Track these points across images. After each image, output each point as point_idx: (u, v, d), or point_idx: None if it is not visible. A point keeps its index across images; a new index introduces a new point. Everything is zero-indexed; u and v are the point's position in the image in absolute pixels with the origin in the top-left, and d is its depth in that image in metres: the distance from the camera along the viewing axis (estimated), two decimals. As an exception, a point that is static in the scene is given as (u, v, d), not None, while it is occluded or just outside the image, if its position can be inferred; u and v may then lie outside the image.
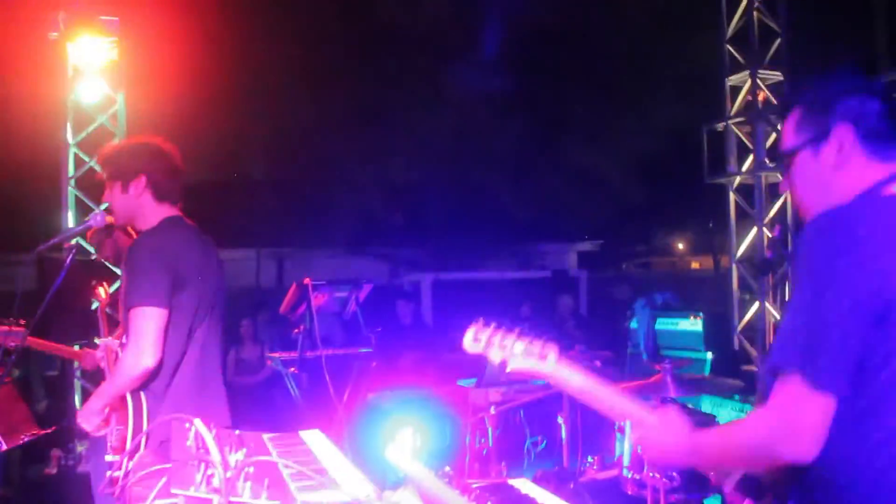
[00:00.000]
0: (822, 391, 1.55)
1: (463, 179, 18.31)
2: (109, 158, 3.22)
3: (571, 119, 19.07)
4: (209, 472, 1.68)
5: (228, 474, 1.60)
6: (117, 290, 3.76)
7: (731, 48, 9.56)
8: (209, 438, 1.71)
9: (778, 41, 9.36)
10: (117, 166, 3.16)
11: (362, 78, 17.89)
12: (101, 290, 3.38)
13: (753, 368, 8.84)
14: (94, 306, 3.42)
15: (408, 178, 18.39)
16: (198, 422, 1.77)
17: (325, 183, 17.84)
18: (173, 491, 1.62)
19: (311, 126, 17.30)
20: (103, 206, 7.51)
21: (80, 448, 7.08)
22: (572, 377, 1.95)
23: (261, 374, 8.38)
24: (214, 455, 1.64)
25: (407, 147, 17.85)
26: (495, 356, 1.92)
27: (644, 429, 1.94)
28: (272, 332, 9.22)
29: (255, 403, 7.96)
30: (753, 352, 9.16)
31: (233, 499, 1.57)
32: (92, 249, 7.00)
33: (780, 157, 1.92)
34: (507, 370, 1.91)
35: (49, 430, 4.62)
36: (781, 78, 9.38)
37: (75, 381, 7.55)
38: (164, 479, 1.64)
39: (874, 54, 13.12)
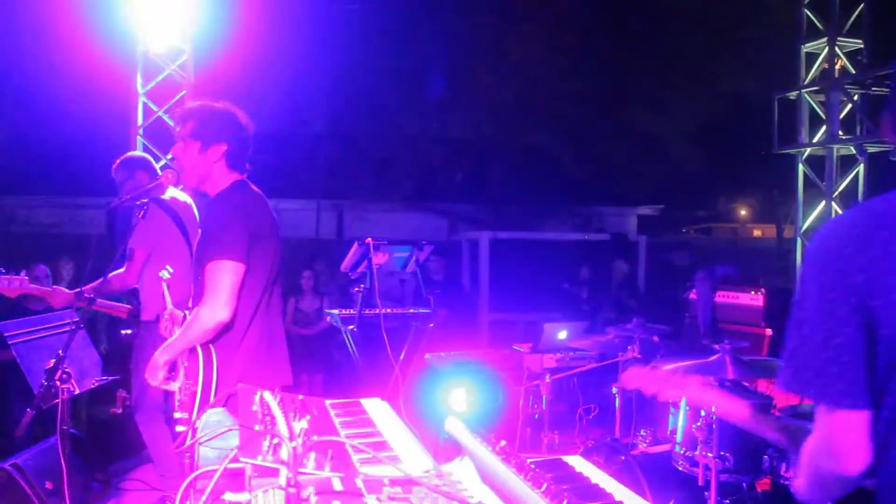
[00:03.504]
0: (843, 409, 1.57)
1: (525, 138, 18.13)
2: (194, 117, 3.20)
3: (637, 81, 18.68)
4: (275, 441, 1.73)
5: (294, 444, 1.64)
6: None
7: (809, 13, 9.22)
8: (276, 409, 1.76)
9: (860, 7, 8.99)
10: (202, 128, 3.16)
11: (426, 33, 17.73)
12: (165, 272, 3.46)
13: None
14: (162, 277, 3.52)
15: (469, 134, 18.29)
16: (266, 393, 1.82)
17: (387, 137, 17.85)
18: (241, 459, 1.67)
19: (374, 79, 17.28)
20: (169, 156, 7.70)
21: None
22: (710, 400, 2.35)
23: (318, 326, 8.51)
24: (282, 427, 1.68)
25: (470, 103, 17.73)
26: (648, 390, 2.37)
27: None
28: (331, 286, 9.35)
29: (311, 355, 8.12)
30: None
31: (300, 470, 1.61)
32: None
33: None
34: (660, 399, 2.39)
35: (116, 378, 4.80)
36: (862, 46, 9.03)
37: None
38: (234, 449, 1.70)
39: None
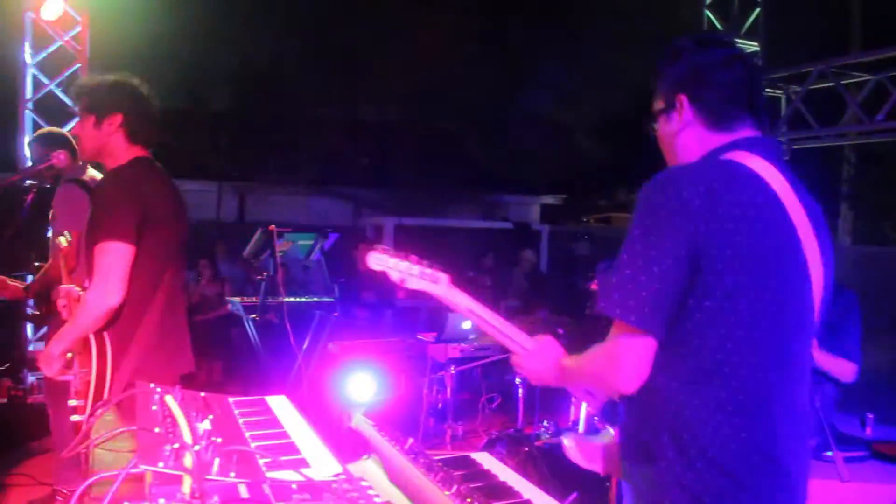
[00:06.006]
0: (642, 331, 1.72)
1: (431, 125, 18.13)
2: (86, 91, 3.11)
3: (544, 71, 18.92)
4: (176, 445, 1.65)
5: (198, 448, 1.57)
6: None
7: (710, 14, 9.50)
8: (179, 412, 1.68)
9: (757, 11, 9.33)
10: (94, 100, 3.06)
11: (335, 17, 17.47)
12: (62, 239, 3.28)
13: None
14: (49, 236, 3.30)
15: (376, 119, 18.16)
16: (169, 398, 1.74)
17: (292, 119, 17.52)
18: (142, 466, 1.58)
19: (280, 61, 16.93)
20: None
21: (32, 378, 7.00)
22: (460, 300, 2.21)
23: (220, 311, 8.32)
24: (185, 431, 1.61)
25: (376, 89, 17.58)
26: (394, 275, 2.20)
27: (522, 354, 2.18)
28: (233, 269, 9.14)
29: (210, 342, 7.91)
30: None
31: (205, 477, 1.54)
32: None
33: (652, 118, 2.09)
34: (406, 286, 2.21)
35: (2, 367, 4.56)
36: (757, 48, 9.37)
37: (28, 310, 7.42)
38: (132, 454, 1.61)
39: (848, 29, 13.19)
